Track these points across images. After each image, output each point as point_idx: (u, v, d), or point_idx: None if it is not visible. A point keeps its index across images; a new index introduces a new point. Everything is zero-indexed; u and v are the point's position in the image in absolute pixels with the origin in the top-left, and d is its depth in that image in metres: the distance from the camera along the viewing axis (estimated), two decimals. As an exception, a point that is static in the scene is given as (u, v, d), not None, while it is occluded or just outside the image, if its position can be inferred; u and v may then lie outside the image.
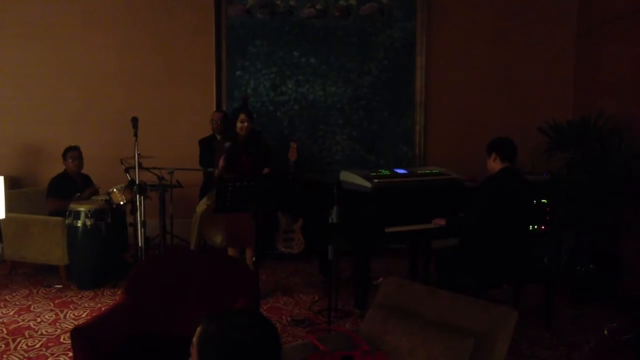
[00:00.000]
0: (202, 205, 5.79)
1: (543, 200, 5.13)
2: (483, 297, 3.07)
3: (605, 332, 3.55)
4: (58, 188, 5.42)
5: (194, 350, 1.48)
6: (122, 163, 5.34)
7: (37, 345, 3.81)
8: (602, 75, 5.58)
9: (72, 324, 4.09)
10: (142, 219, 4.53)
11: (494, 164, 4.01)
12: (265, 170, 4.97)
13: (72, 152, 5.51)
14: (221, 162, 4.81)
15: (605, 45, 5.53)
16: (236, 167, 4.87)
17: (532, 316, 4.11)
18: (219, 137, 5.80)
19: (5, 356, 3.63)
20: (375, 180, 4.37)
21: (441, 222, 4.26)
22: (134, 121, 4.42)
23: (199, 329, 1.50)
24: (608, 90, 5.42)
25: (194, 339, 1.49)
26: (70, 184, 5.47)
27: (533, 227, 4.93)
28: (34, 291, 4.96)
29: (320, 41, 6.39)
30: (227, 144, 4.83)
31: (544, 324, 4.08)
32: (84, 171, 5.64)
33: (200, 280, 3.06)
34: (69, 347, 3.18)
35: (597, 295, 4.70)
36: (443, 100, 6.35)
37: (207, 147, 5.84)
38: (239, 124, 4.96)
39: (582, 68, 6.05)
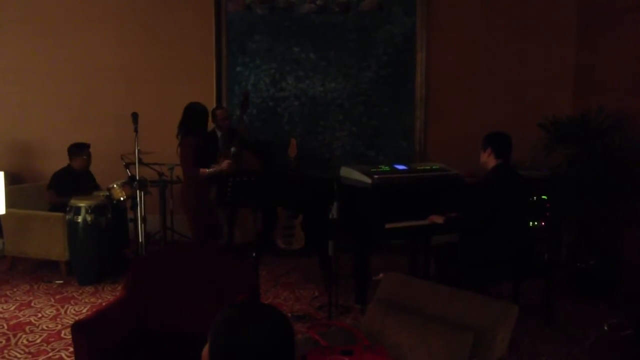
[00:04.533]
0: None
1: (543, 197, 5.13)
2: (483, 293, 3.07)
3: (606, 327, 3.55)
4: (61, 182, 5.40)
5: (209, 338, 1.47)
6: (122, 159, 5.34)
7: (38, 341, 3.83)
8: (602, 71, 5.57)
9: (72, 319, 4.09)
10: (143, 214, 4.53)
11: (489, 159, 3.98)
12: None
13: (87, 150, 5.49)
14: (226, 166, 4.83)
15: (606, 41, 5.52)
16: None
17: (532, 312, 4.12)
18: (219, 134, 5.79)
19: (6, 351, 3.65)
20: (376, 176, 4.36)
21: (438, 220, 4.22)
22: (134, 117, 4.42)
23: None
24: (608, 86, 5.41)
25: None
26: (74, 180, 5.45)
27: (533, 223, 4.93)
28: (35, 287, 4.97)
29: (320, 37, 6.37)
30: (233, 149, 4.92)
31: (544, 319, 4.09)
32: (85, 167, 5.63)
33: (200, 276, 3.07)
34: (70, 342, 3.18)
35: (598, 291, 4.71)
36: (443, 95, 6.32)
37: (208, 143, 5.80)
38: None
39: (582, 64, 6.03)
